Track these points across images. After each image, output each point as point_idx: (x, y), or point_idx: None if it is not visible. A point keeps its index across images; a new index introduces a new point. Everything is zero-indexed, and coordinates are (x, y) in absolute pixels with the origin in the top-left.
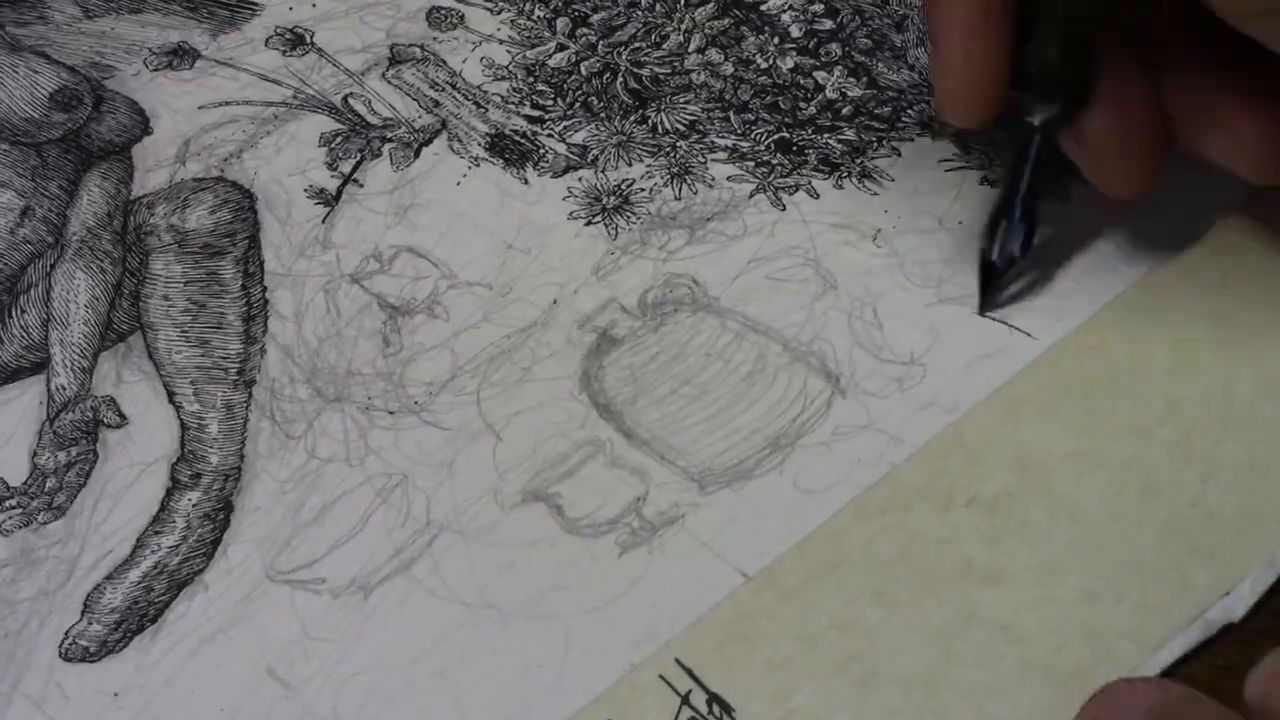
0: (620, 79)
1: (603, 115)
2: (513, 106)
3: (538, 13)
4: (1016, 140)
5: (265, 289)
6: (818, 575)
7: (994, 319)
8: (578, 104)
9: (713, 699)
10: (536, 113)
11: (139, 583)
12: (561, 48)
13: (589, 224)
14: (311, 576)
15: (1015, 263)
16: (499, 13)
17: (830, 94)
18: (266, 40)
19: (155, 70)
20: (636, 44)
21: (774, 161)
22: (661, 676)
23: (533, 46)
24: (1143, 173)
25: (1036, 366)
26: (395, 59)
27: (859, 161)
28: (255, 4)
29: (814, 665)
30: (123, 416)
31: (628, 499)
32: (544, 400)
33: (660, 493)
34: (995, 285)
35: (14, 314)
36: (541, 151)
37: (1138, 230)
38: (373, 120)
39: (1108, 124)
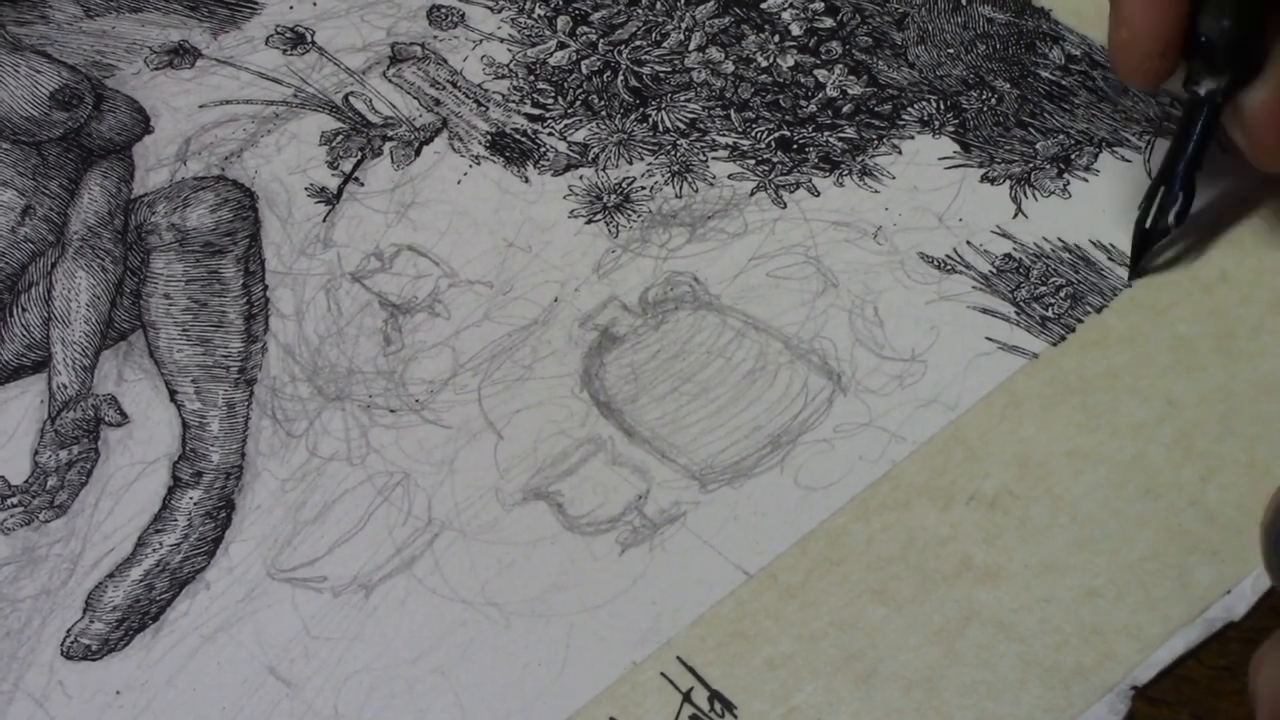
0: (621, 77)
1: (603, 113)
2: (513, 105)
3: (538, 11)
4: (1183, 109)
5: (266, 287)
6: (819, 573)
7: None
8: (578, 102)
9: (714, 696)
10: (537, 111)
11: (140, 581)
12: (562, 46)
13: (590, 222)
14: (313, 575)
15: (1170, 231)
16: (499, 11)
17: (831, 92)
18: (267, 39)
19: (156, 69)
20: (637, 42)
21: (774, 159)
22: (663, 674)
23: (533, 45)
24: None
25: (1037, 364)
26: (396, 57)
27: (859, 159)
28: (255, 3)
29: (815, 663)
30: (124, 415)
31: (629, 497)
32: (545, 398)
33: (661, 491)
34: (1148, 252)
35: (15, 312)
36: (542, 150)
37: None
38: (373, 119)
39: (1271, 101)
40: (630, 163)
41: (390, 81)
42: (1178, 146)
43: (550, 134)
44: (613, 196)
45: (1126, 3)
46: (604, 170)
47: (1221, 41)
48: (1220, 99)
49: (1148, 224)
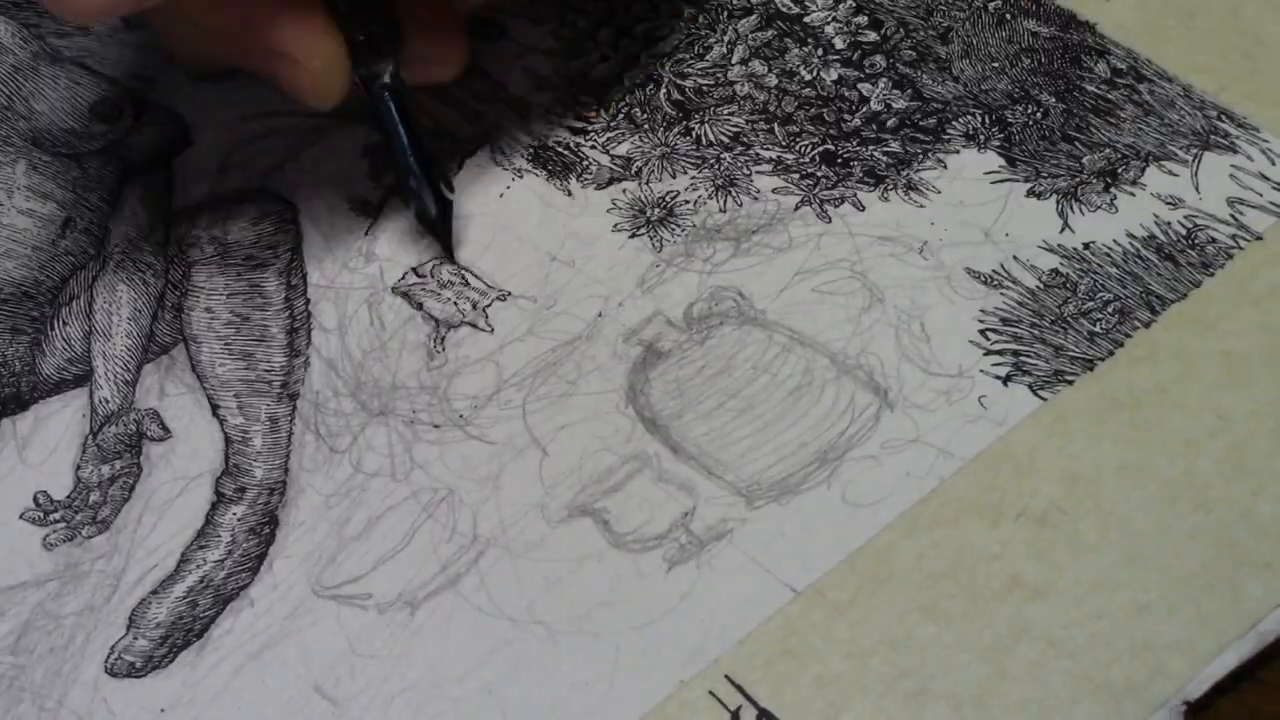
0: (664, 90)
1: (646, 127)
2: (556, 118)
3: (580, 24)
4: (379, 111)
5: (308, 301)
6: (867, 591)
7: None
8: (621, 115)
9: (763, 715)
10: (580, 124)
11: (184, 598)
12: (604, 59)
13: (633, 236)
14: (357, 592)
15: (448, 209)
16: (541, 24)
17: (875, 106)
18: None
19: (196, 81)
20: (679, 55)
21: (819, 174)
22: (711, 693)
23: (576, 58)
24: (460, 49)
25: (1085, 380)
26: None
27: (904, 173)
28: None
29: (864, 682)
30: (166, 430)
31: (675, 514)
32: (590, 414)
33: (708, 507)
34: (445, 236)
35: (56, 326)
36: (585, 163)
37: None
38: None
39: (425, 35)
40: (674, 176)
41: (431, 94)
42: (396, 140)
43: (593, 147)
44: (656, 210)
45: (299, 47)
46: (647, 184)
47: (381, 32)
48: (397, 78)
49: (427, 215)
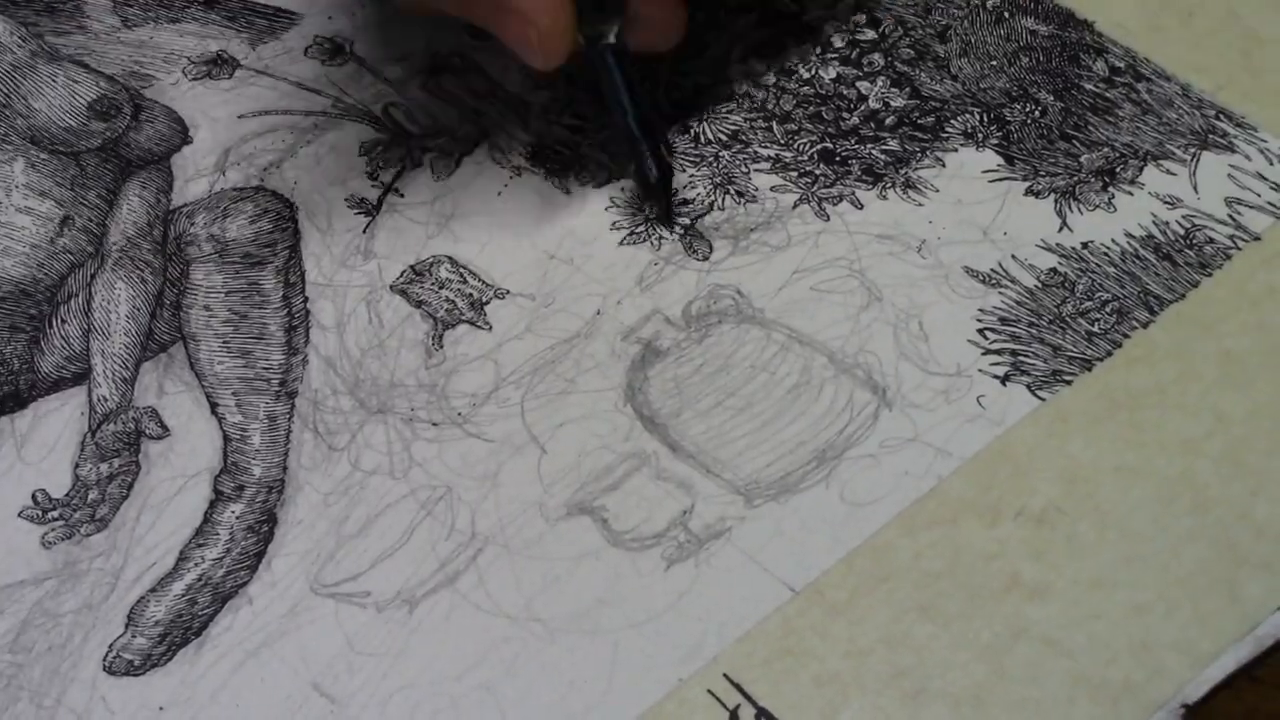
0: (662, 89)
1: None
2: (553, 116)
3: None
4: (601, 73)
5: (306, 299)
6: (865, 590)
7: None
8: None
9: (761, 714)
10: (577, 122)
11: (183, 595)
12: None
13: (632, 234)
14: (356, 590)
15: (669, 173)
16: None
17: (873, 104)
18: (306, 50)
19: (194, 79)
20: (676, 50)
21: (817, 172)
22: (710, 691)
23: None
24: (682, 18)
25: (1084, 380)
26: (435, 68)
27: (903, 172)
28: (294, 14)
29: (863, 681)
30: (165, 428)
31: (674, 512)
32: (588, 412)
33: (706, 506)
34: (665, 200)
35: (55, 324)
36: (583, 161)
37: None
38: (413, 129)
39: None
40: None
41: (430, 92)
42: (617, 103)
43: (591, 145)
44: (655, 209)
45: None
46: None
47: None
48: (621, 40)
49: (652, 180)
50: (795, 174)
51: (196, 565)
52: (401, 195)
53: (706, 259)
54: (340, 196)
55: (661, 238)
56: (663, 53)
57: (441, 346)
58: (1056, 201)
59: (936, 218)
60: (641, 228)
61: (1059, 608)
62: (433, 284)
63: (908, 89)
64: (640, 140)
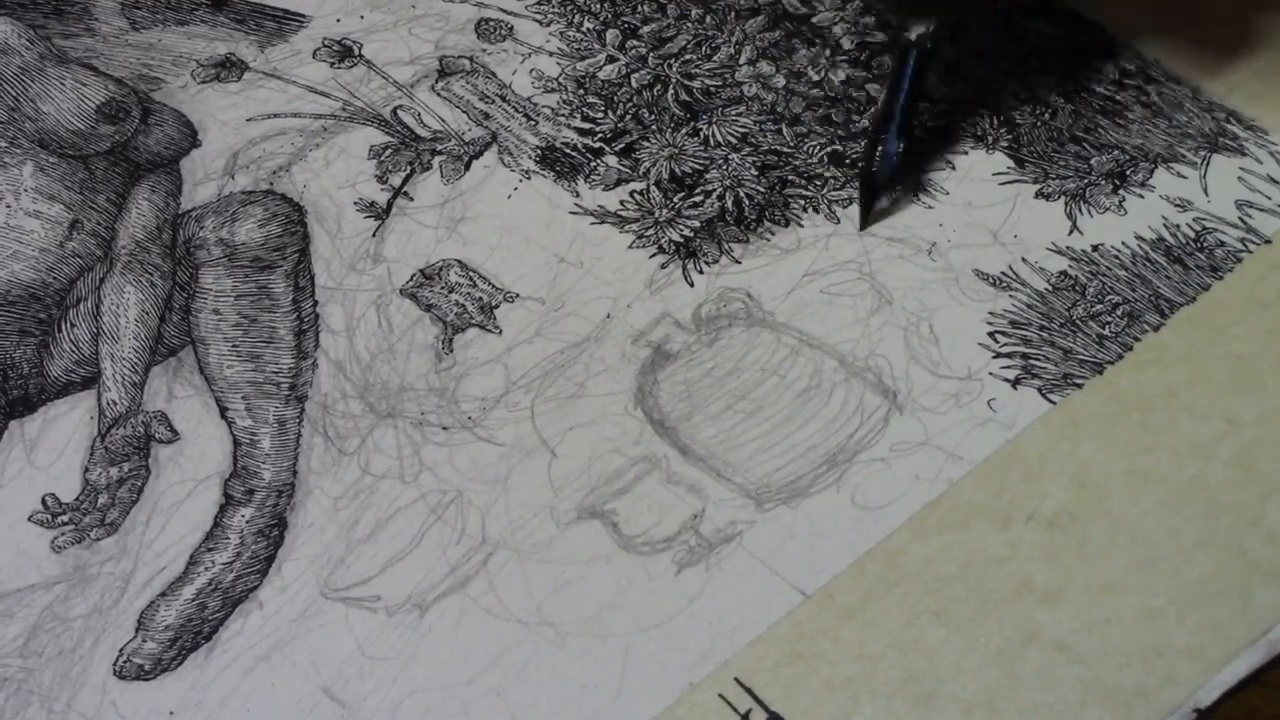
0: (671, 91)
1: (654, 128)
2: (563, 119)
3: (587, 24)
4: (895, 56)
5: (316, 303)
6: (877, 594)
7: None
8: (629, 116)
9: (773, 718)
10: (587, 125)
11: (193, 600)
12: (611, 60)
13: (641, 238)
14: (366, 594)
15: (894, 179)
16: (548, 24)
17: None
18: (314, 52)
19: (203, 83)
20: (687, 56)
21: (827, 174)
22: (721, 695)
23: (583, 59)
24: None
25: (1094, 383)
26: (444, 71)
27: (913, 174)
28: (302, 16)
29: (874, 685)
30: (174, 432)
31: (684, 516)
32: (598, 416)
33: (717, 510)
34: (874, 202)
35: (64, 328)
36: (593, 164)
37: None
38: (422, 133)
39: None
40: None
41: (439, 95)
42: (893, 93)
43: (601, 149)
44: (664, 211)
45: None
46: (656, 185)
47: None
48: (930, 43)
49: (875, 171)
50: (805, 177)
51: (207, 569)
52: (411, 199)
53: (716, 262)
54: (349, 199)
55: (672, 241)
56: None
57: (451, 350)
58: (1067, 204)
59: (946, 221)
60: (651, 230)
61: (1071, 612)
62: (442, 288)
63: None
64: (895, 131)
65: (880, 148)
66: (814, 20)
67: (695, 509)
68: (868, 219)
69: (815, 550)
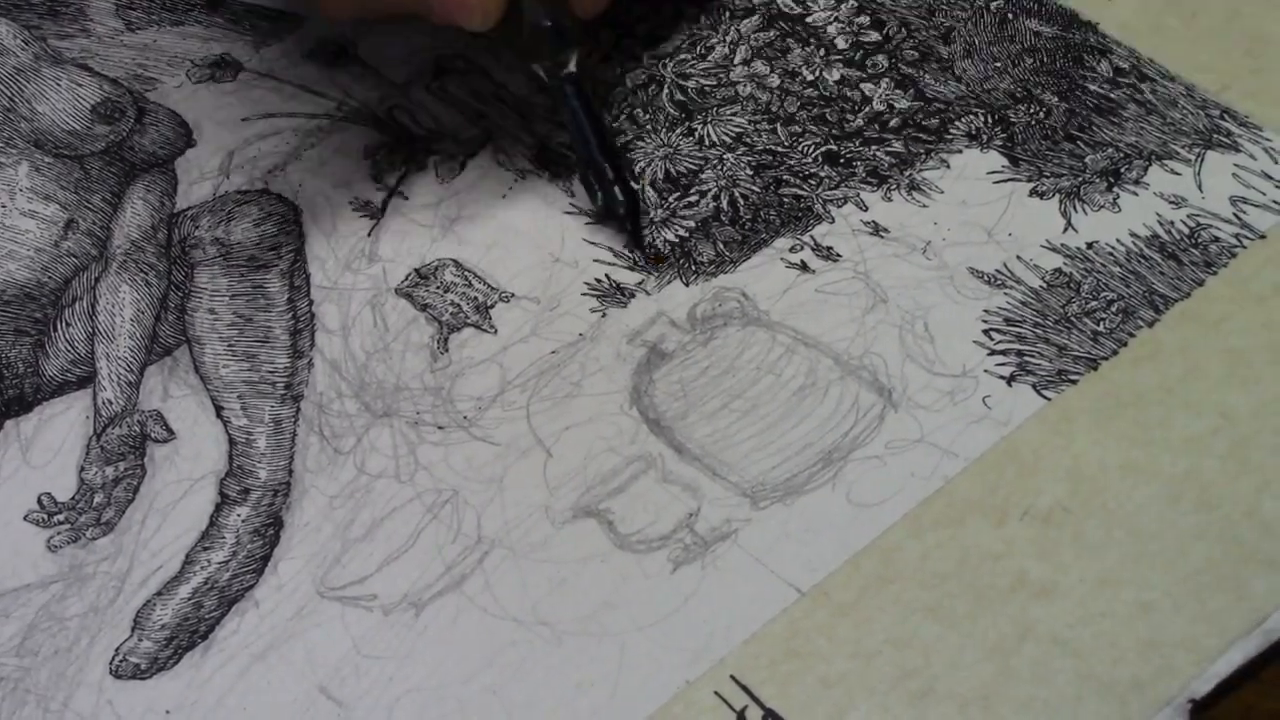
0: (666, 91)
1: (649, 127)
2: (558, 118)
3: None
4: (561, 104)
5: (311, 302)
6: (872, 591)
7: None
8: (624, 116)
9: (769, 715)
10: None
11: (189, 599)
12: (606, 59)
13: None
14: (363, 593)
15: (635, 198)
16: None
17: (878, 106)
18: (309, 52)
19: (197, 83)
20: (682, 56)
21: (821, 173)
22: (717, 693)
23: None
24: None
25: (1089, 379)
26: (439, 70)
27: (907, 173)
28: (297, 16)
29: (870, 682)
30: (170, 431)
31: (680, 515)
32: (594, 415)
33: (712, 508)
34: (634, 225)
35: (59, 328)
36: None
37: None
38: (417, 132)
39: None
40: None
41: (433, 94)
42: (576, 134)
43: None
44: (659, 212)
45: None
46: (649, 185)
47: (567, 23)
48: (579, 70)
49: (612, 208)
50: (799, 176)
51: (203, 569)
52: (406, 198)
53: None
54: (345, 199)
55: (666, 241)
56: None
57: (446, 350)
58: (1061, 202)
59: (941, 219)
60: (647, 230)
61: (1066, 607)
62: (438, 287)
63: (912, 90)
64: (604, 168)
65: (600, 192)
66: (808, 20)
67: (691, 507)
68: (637, 242)
69: (810, 548)
